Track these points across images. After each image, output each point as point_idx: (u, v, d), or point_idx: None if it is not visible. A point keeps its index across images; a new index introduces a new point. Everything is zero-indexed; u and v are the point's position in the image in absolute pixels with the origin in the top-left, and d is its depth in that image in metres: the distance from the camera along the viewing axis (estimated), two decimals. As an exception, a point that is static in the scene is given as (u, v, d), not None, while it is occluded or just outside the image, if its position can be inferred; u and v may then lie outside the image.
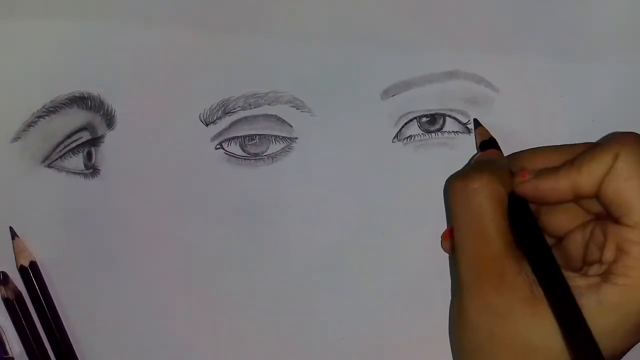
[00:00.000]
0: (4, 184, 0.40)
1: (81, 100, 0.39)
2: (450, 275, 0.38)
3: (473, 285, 0.33)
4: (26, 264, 0.39)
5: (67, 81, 0.39)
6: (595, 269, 0.32)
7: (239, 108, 0.38)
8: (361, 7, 0.38)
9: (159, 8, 0.38)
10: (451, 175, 0.36)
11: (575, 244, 0.34)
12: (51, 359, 0.40)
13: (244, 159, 0.39)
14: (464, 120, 0.38)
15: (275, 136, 0.38)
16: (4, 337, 0.40)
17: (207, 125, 0.38)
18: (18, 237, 0.40)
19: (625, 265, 0.31)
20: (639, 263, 0.31)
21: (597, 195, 0.32)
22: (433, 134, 0.38)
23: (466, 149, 0.38)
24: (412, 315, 0.39)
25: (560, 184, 0.33)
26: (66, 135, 0.39)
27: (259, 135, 0.38)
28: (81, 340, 0.40)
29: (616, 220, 0.32)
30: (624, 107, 0.38)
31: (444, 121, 0.38)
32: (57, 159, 0.39)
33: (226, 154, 0.39)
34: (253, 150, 0.38)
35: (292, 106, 0.38)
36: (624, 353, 0.32)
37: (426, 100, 0.38)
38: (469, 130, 0.38)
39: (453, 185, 0.34)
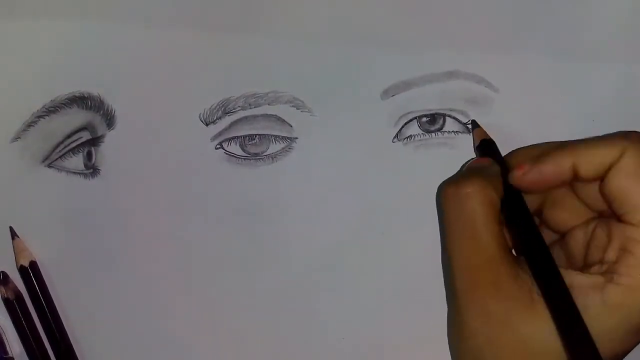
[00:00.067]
0: (4, 184, 0.40)
1: (81, 100, 0.39)
2: (444, 284, 0.37)
3: (469, 291, 0.33)
4: (26, 264, 0.39)
5: (67, 81, 0.39)
6: (597, 268, 0.32)
7: (239, 108, 0.38)
8: (361, 7, 0.38)
9: (159, 8, 0.38)
10: (443, 181, 0.36)
11: (577, 242, 0.34)
12: (51, 359, 0.40)
13: (244, 159, 0.39)
14: (464, 120, 0.38)
15: (275, 136, 0.38)
16: (4, 337, 0.40)
17: (207, 125, 0.38)
18: (18, 237, 0.40)
19: (628, 265, 0.31)
20: None
21: (600, 191, 0.32)
22: (433, 134, 0.38)
23: (466, 149, 0.38)
24: (412, 315, 0.39)
25: (563, 162, 0.32)
26: (66, 135, 0.39)
27: (259, 135, 0.38)
28: (81, 340, 0.40)
29: (619, 218, 0.32)
30: (624, 107, 0.38)
31: (444, 121, 0.38)
32: (57, 158, 0.39)
33: (226, 153, 0.39)
34: (253, 150, 0.38)
35: (292, 106, 0.38)
36: (624, 354, 0.32)
37: (426, 100, 0.38)
38: (469, 130, 0.38)
39: (445, 191, 0.34)
